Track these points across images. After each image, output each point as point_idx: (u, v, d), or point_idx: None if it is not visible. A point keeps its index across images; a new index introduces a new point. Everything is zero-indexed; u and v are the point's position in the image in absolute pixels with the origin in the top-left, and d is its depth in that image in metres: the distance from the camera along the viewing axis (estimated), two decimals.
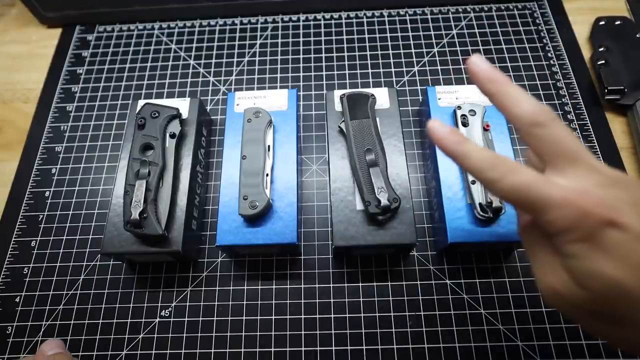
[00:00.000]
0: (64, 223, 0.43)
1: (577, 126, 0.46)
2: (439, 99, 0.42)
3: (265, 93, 0.44)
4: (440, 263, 0.40)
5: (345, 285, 0.39)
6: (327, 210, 0.43)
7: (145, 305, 0.39)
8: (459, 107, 0.40)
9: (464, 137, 0.22)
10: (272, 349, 0.37)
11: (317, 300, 0.39)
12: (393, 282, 0.39)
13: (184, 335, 0.38)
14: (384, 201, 0.34)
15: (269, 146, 0.40)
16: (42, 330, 0.39)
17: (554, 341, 0.36)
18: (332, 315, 0.38)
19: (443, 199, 0.37)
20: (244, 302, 0.39)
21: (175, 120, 0.41)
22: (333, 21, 0.55)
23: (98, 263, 0.42)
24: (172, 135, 0.40)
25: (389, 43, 0.53)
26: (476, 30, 0.53)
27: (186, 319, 0.39)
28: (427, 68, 0.50)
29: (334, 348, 0.37)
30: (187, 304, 0.39)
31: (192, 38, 0.55)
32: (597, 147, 0.44)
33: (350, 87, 0.50)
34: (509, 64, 0.50)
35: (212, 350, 0.37)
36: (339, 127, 0.40)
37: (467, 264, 0.40)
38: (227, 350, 0.37)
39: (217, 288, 0.40)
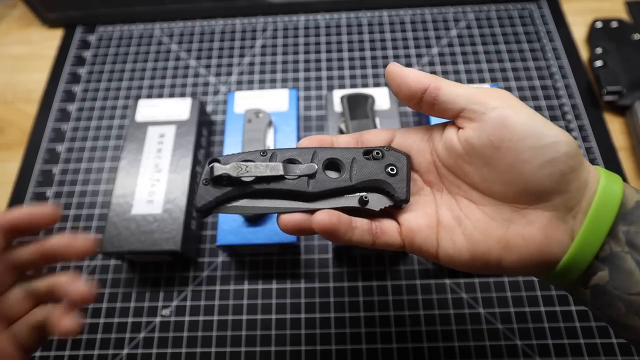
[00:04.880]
0: (66, 223, 0.44)
1: (576, 126, 0.46)
2: None
3: (265, 93, 0.44)
4: None
5: (345, 284, 0.40)
6: None
7: (146, 304, 0.40)
8: None
9: (348, 220, 0.23)
10: (272, 348, 0.37)
11: (317, 300, 0.39)
12: (393, 282, 0.39)
13: (185, 334, 0.38)
14: None
15: (269, 146, 0.40)
16: None
17: (553, 340, 0.36)
18: (332, 315, 0.38)
19: None
20: (244, 302, 0.39)
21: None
22: (333, 21, 0.56)
23: (99, 262, 0.42)
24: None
25: (389, 43, 0.53)
26: (475, 31, 0.53)
27: (187, 318, 0.39)
28: (427, 68, 0.51)
29: (333, 347, 0.37)
30: (188, 303, 0.39)
31: (192, 38, 0.55)
32: (595, 147, 0.45)
33: (350, 87, 0.50)
34: (507, 65, 0.50)
35: (213, 350, 0.37)
36: (339, 127, 0.40)
37: None
38: (228, 349, 0.37)
39: (217, 287, 0.40)
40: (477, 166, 0.22)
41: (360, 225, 0.23)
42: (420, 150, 0.25)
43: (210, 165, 0.22)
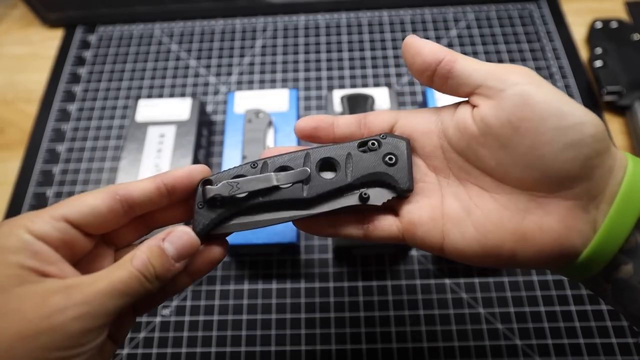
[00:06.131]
0: None
1: None
2: (438, 99, 0.42)
3: (265, 93, 0.44)
4: (439, 262, 0.40)
5: (345, 284, 0.40)
6: None
7: None
8: None
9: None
10: (272, 348, 0.37)
11: (317, 300, 0.39)
12: (393, 282, 0.39)
13: (185, 334, 0.38)
14: None
15: (268, 146, 0.40)
16: None
17: (552, 340, 0.36)
18: (332, 315, 0.38)
19: None
20: (244, 302, 0.39)
21: None
22: (333, 21, 0.56)
23: None
24: None
25: (389, 43, 0.53)
26: (475, 31, 0.53)
27: (187, 318, 0.39)
28: None
29: (333, 347, 0.37)
30: (188, 303, 0.40)
31: (192, 38, 0.55)
32: None
33: (350, 87, 0.50)
34: None
35: (213, 350, 0.37)
36: None
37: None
38: (228, 349, 0.37)
39: (217, 287, 0.40)
40: (492, 149, 0.20)
41: (347, 220, 0.23)
42: (425, 133, 0.23)
43: (202, 189, 0.22)
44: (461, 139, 0.21)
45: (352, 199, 0.22)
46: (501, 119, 0.19)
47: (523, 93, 0.19)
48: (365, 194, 0.22)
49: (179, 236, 0.20)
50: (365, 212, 0.23)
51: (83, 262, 0.21)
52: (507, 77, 0.19)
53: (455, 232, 0.21)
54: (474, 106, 0.21)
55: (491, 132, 0.20)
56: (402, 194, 0.22)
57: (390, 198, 0.22)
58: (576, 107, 0.18)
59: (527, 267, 0.21)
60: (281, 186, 0.22)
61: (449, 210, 0.22)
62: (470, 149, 0.21)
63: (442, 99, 0.42)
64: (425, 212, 0.22)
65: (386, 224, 0.22)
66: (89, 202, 0.19)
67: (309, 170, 0.22)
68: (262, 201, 0.22)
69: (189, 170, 0.22)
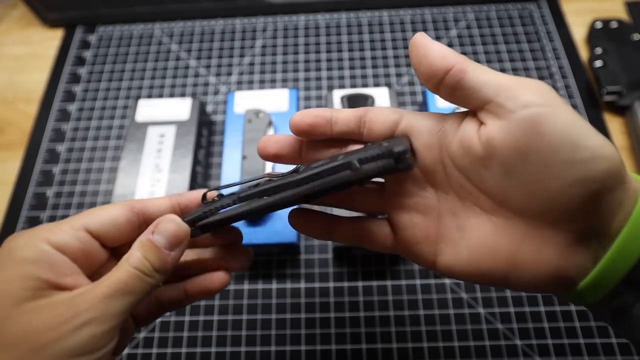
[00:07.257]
0: None
1: None
2: (438, 99, 0.42)
3: (265, 93, 0.44)
4: None
5: (345, 284, 0.40)
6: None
7: None
8: (458, 108, 0.40)
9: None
10: (272, 348, 0.37)
11: (317, 300, 0.39)
12: (392, 282, 0.39)
13: (185, 334, 0.38)
14: None
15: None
16: None
17: (552, 340, 0.36)
18: (332, 315, 0.38)
19: None
20: (244, 302, 0.39)
21: None
22: (333, 21, 0.56)
23: None
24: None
25: (389, 43, 0.53)
26: (475, 31, 0.53)
27: (187, 318, 0.39)
28: None
29: (333, 347, 0.37)
30: None
31: (192, 38, 0.55)
32: None
33: (350, 87, 0.50)
34: (507, 65, 0.50)
35: (213, 350, 0.37)
36: None
37: None
38: (228, 349, 0.37)
39: None
40: (495, 173, 0.18)
41: (343, 229, 0.23)
42: (428, 145, 0.21)
43: (203, 194, 0.23)
44: (464, 158, 0.19)
45: (344, 174, 0.20)
46: (508, 144, 0.17)
47: (535, 118, 0.17)
48: (357, 161, 0.20)
49: (166, 226, 0.20)
50: (360, 208, 0.23)
51: (95, 275, 0.21)
52: (520, 96, 0.17)
53: (448, 252, 0.20)
54: (481, 123, 0.19)
55: (496, 156, 0.18)
56: (402, 163, 0.20)
57: (384, 165, 0.20)
58: (592, 136, 0.17)
59: (521, 291, 0.20)
60: (273, 179, 0.21)
61: (444, 229, 0.21)
62: (472, 169, 0.19)
63: (442, 100, 0.42)
64: (420, 229, 0.21)
65: (381, 237, 0.22)
66: (109, 213, 0.21)
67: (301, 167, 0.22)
68: (256, 191, 0.21)
69: (203, 194, 0.23)
